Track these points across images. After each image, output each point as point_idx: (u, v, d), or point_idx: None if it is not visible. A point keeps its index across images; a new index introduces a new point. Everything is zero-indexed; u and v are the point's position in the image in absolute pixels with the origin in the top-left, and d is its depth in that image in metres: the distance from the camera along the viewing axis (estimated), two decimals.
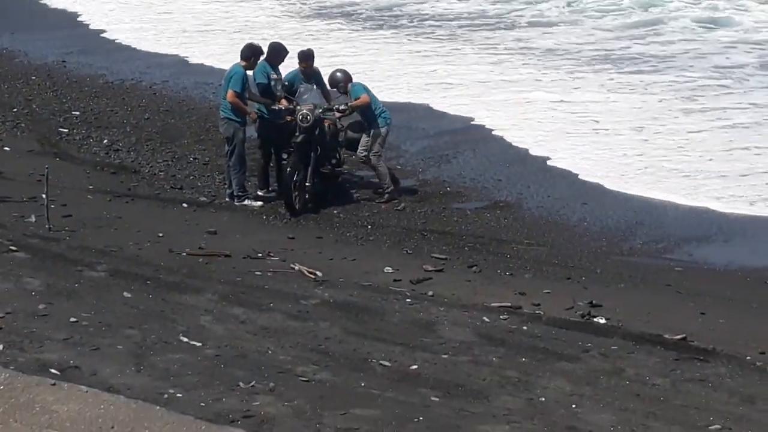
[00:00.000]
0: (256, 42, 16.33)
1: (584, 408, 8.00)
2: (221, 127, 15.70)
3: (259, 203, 15.44)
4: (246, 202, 15.38)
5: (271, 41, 16.83)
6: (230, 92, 15.17)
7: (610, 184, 16.55)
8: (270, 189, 15.97)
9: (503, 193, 16.44)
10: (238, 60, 15.62)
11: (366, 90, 15.99)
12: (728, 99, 21.54)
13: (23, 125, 19.48)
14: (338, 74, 16.22)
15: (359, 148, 15.99)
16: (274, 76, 15.72)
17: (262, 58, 15.68)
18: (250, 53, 15.56)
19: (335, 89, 16.20)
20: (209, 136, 19.07)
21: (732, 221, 14.92)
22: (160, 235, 13.15)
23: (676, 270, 12.93)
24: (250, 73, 15.61)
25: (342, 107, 15.75)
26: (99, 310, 9.55)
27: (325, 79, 16.26)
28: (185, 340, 8.90)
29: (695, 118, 20.12)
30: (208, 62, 26.13)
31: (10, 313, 9.10)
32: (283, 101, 15.58)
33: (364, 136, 15.88)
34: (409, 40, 28.54)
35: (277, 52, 15.98)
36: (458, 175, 17.34)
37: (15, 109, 20.78)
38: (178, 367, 8.12)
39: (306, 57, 16.39)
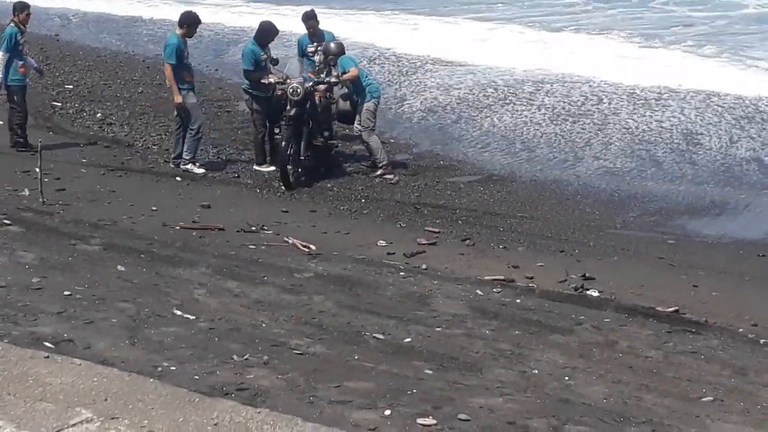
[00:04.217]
0: (193, 10, 16.44)
1: (577, 380, 8.01)
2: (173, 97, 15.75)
3: (202, 170, 15.51)
4: (189, 166, 15.47)
5: (262, 21, 16.81)
6: (166, 66, 15.24)
7: None
8: (269, 163, 15.95)
9: (497, 166, 16.51)
10: (176, 29, 15.69)
11: (355, 63, 15.99)
12: None
13: None
14: (331, 45, 16.20)
15: (354, 124, 16.06)
16: (264, 56, 15.68)
17: (194, 28, 15.73)
18: (186, 20, 15.58)
19: (328, 58, 16.16)
20: (202, 110, 19.01)
21: None
22: (154, 208, 13.15)
23: (669, 243, 12.94)
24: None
25: (332, 80, 15.74)
26: (93, 283, 9.56)
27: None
28: (179, 313, 8.91)
29: None
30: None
31: (4, 287, 9.11)
32: (272, 75, 15.55)
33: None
34: None
35: (267, 31, 15.96)
36: (452, 148, 17.43)
37: None
38: (172, 340, 8.12)
39: (308, 17, 16.52)
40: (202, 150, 16.60)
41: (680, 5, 33.32)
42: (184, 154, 15.51)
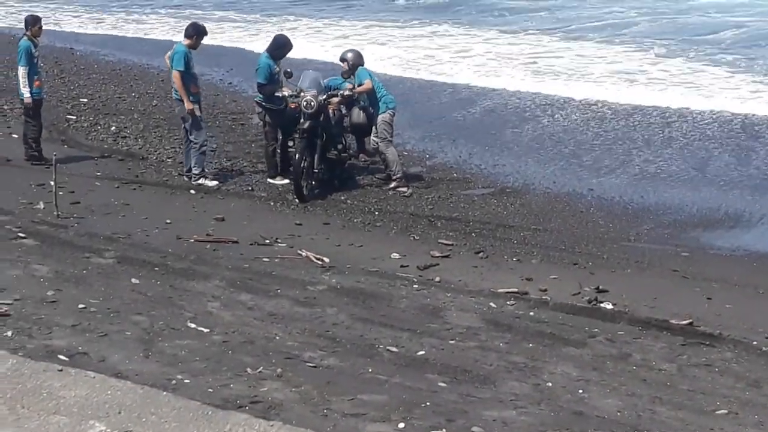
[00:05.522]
0: (199, 22, 16.52)
1: (591, 393, 8.01)
2: (176, 108, 15.87)
3: (215, 182, 15.56)
4: (201, 181, 15.50)
5: (277, 34, 16.96)
6: (175, 73, 15.27)
7: None
8: (282, 176, 15.93)
9: (510, 179, 16.52)
10: (182, 39, 15.75)
11: (370, 75, 16.02)
12: None
13: None
14: (349, 54, 16.26)
15: (371, 136, 16.09)
16: (277, 69, 15.75)
17: (202, 37, 15.77)
18: (194, 32, 15.64)
19: (343, 65, 16.23)
20: (216, 123, 19.12)
21: None
22: (168, 221, 13.18)
23: (683, 255, 12.91)
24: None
25: (346, 93, 15.76)
26: (107, 296, 9.58)
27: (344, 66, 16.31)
28: (193, 326, 8.92)
29: None
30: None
31: (18, 300, 9.13)
32: (285, 89, 15.60)
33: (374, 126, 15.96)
34: None
35: (281, 45, 16.06)
36: (465, 161, 17.47)
37: None
38: (186, 353, 8.14)
39: (342, 59, 16.41)
40: (215, 162, 16.66)
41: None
42: (193, 169, 15.55)
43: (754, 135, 19.05)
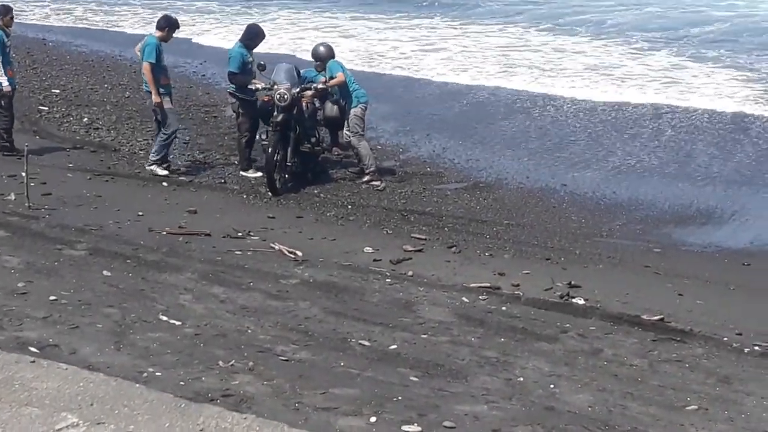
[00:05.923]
0: (172, 15, 16.53)
1: (562, 388, 8.02)
2: (148, 100, 15.83)
3: (166, 172, 15.54)
4: (154, 167, 15.54)
5: (250, 23, 16.92)
6: (145, 65, 15.25)
7: None
8: (256, 169, 15.92)
9: (483, 174, 16.54)
10: (154, 31, 15.78)
11: (342, 68, 15.99)
12: None
13: None
14: (321, 48, 16.23)
15: (344, 130, 16.08)
16: (250, 59, 15.72)
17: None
18: (166, 24, 15.66)
19: (316, 63, 16.21)
20: (189, 115, 19.08)
21: None
22: (140, 213, 13.12)
23: (655, 251, 12.97)
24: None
25: (319, 86, 15.73)
26: (78, 288, 9.53)
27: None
28: (165, 318, 8.89)
29: None
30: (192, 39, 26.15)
31: None
32: (258, 81, 15.57)
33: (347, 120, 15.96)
34: None
35: (254, 34, 16.02)
36: (439, 156, 17.48)
37: None
38: (158, 346, 8.11)
39: (314, 52, 16.37)
40: (188, 154, 16.62)
41: None
42: (151, 155, 15.54)
43: (732, 131, 19.19)
